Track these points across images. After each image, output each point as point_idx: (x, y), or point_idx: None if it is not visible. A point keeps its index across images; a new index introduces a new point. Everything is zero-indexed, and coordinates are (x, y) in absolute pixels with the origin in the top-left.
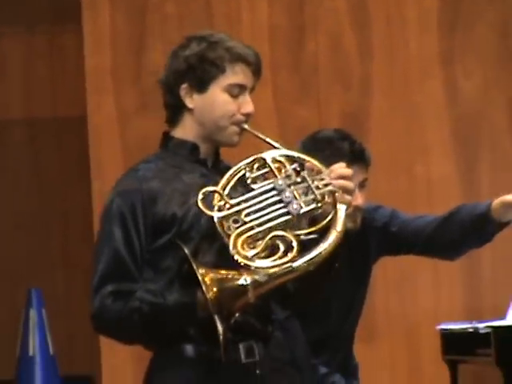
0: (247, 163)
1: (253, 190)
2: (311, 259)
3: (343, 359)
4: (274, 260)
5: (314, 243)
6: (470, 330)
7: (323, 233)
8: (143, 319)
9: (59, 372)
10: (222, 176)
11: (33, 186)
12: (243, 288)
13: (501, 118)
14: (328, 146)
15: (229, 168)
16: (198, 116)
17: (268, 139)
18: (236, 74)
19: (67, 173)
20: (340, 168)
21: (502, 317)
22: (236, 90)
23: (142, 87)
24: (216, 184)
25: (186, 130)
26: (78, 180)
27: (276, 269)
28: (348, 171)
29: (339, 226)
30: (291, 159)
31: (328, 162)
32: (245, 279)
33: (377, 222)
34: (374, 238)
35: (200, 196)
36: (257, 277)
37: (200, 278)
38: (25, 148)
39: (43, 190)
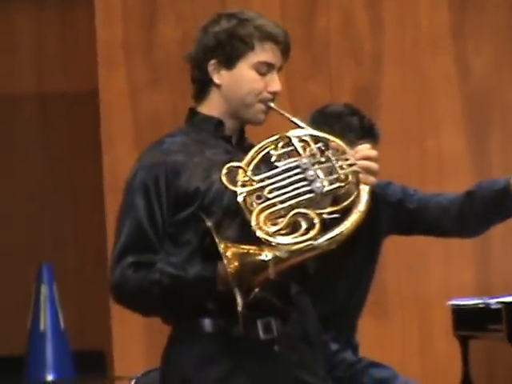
0: (272, 141)
1: (277, 167)
2: (332, 238)
3: (348, 337)
4: (296, 237)
5: (335, 222)
6: (481, 305)
7: (345, 212)
8: (163, 291)
9: (70, 347)
10: (245, 153)
11: (44, 160)
12: (264, 263)
13: (511, 93)
14: (337, 121)
15: (253, 146)
16: (225, 92)
17: (294, 118)
18: (265, 52)
19: (78, 147)
20: (365, 149)
21: None
22: (264, 68)
23: (154, 61)
24: (240, 160)
25: (212, 106)
26: (89, 154)
27: (297, 246)
28: (373, 152)
29: (362, 206)
30: (316, 139)
31: (337, 137)
32: (266, 255)
33: (390, 197)
34: (386, 214)
35: (224, 171)
36: (278, 253)
37: (222, 251)
38: (36, 122)
39: (54, 164)
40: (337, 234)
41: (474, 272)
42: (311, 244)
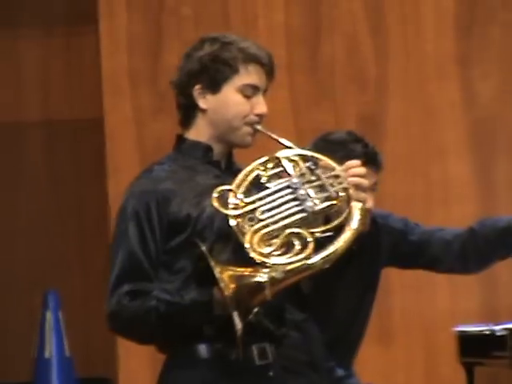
0: (261, 162)
1: (267, 188)
2: (327, 256)
3: (347, 366)
4: (290, 257)
5: (329, 241)
6: (487, 332)
7: (338, 230)
8: (160, 318)
9: (75, 374)
10: (235, 177)
11: (49, 187)
12: (260, 285)
13: None
14: (341, 148)
15: (242, 169)
16: (212, 117)
17: (281, 139)
18: (249, 75)
19: (83, 174)
20: (354, 166)
21: None
22: (249, 91)
23: (159, 89)
24: (230, 184)
25: (199, 132)
26: (94, 181)
27: (292, 266)
28: (362, 169)
29: (354, 223)
30: (305, 158)
31: (341, 164)
32: (261, 276)
33: (392, 228)
34: (388, 244)
35: (215, 194)
36: (273, 274)
37: (218, 275)
38: (41, 149)
39: (59, 191)
40: (331, 253)
41: (480, 297)
42: (306, 263)
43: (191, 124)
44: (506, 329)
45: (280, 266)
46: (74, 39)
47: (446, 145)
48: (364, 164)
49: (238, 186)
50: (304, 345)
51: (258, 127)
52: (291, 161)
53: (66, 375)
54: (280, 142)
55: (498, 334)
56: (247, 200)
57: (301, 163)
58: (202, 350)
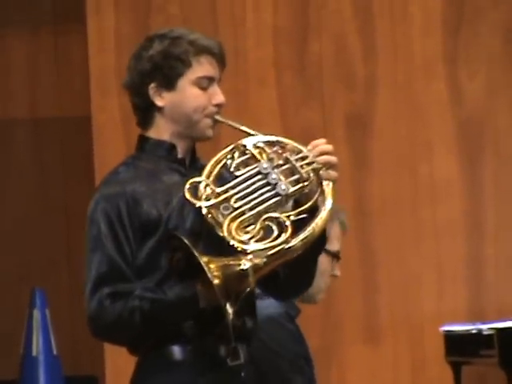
0: (228, 151)
1: (237, 177)
2: (305, 237)
3: None
4: (270, 242)
5: (304, 223)
6: (474, 331)
7: (312, 212)
8: (144, 317)
9: (63, 372)
10: (200, 173)
11: (37, 186)
12: (244, 272)
13: (504, 119)
14: None
15: (206, 165)
16: (170, 114)
17: (243, 127)
18: (202, 67)
19: (71, 173)
20: (320, 144)
21: (505, 318)
22: (205, 83)
23: None
24: (200, 176)
25: (160, 130)
26: (82, 180)
27: (272, 250)
28: (329, 146)
29: (328, 202)
30: (271, 143)
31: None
32: (244, 264)
33: None
34: None
35: (187, 186)
36: (255, 260)
37: (205, 266)
38: (29, 148)
39: (47, 189)
40: (309, 234)
41: (466, 297)
42: (286, 247)
43: (151, 124)
44: (492, 328)
45: (261, 252)
46: (61, 38)
47: (434, 143)
48: None
49: (208, 176)
50: (301, 337)
51: (217, 117)
52: (258, 147)
53: (53, 373)
54: (242, 130)
55: (485, 333)
56: (219, 190)
57: (267, 148)
58: (176, 351)
